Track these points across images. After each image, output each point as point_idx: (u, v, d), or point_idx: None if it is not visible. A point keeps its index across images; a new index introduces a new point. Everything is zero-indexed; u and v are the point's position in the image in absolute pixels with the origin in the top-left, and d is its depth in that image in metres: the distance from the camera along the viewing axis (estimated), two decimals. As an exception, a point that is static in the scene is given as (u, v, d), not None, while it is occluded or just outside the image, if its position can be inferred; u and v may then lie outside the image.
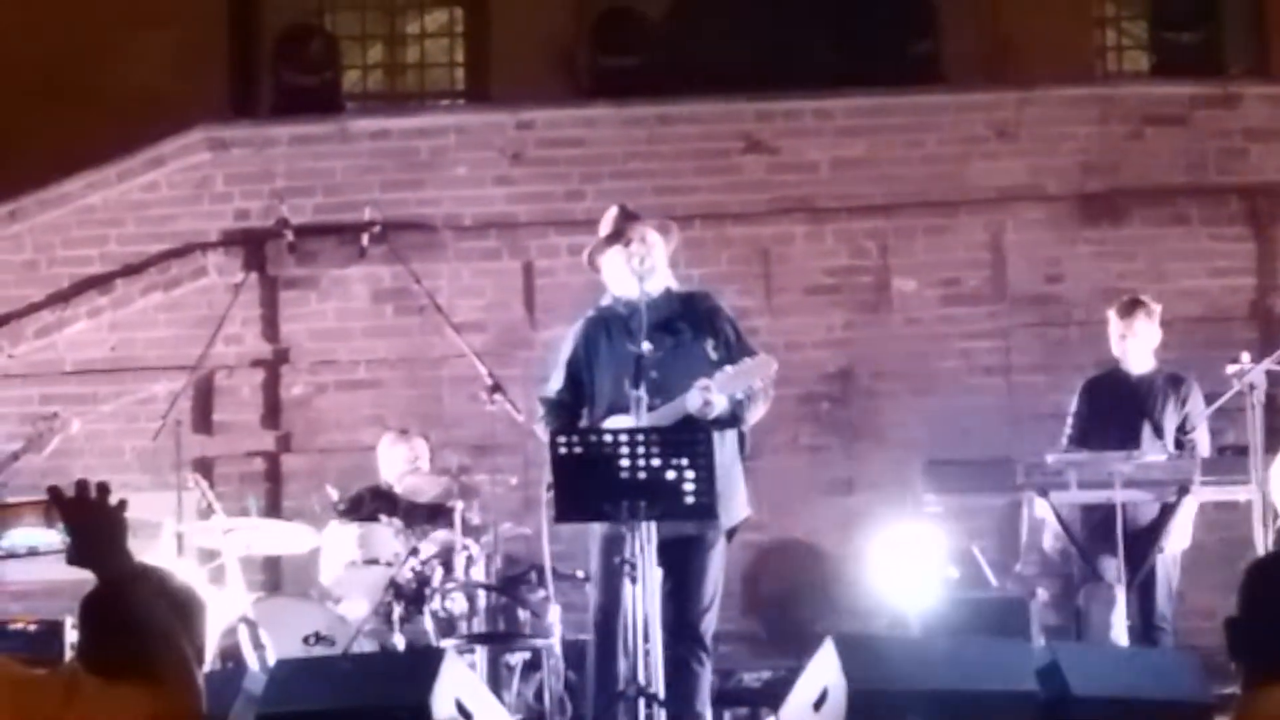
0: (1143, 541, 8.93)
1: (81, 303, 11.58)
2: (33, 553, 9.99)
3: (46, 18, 12.76)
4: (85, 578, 3.95)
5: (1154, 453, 9.02)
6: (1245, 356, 8.95)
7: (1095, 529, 9.04)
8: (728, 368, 7.57)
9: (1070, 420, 9.43)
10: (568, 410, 7.91)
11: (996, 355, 11.22)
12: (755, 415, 7.79)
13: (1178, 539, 9.04)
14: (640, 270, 7.76)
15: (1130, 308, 9.41)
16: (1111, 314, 9.47)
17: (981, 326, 11.29)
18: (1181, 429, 9.24)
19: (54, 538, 8.32)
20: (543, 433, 7.89)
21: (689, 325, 7.83)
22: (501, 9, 13.42)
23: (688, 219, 8.82)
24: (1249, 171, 11.36)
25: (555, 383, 7.99)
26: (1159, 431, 9.20)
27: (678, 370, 7.60)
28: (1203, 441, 9.23)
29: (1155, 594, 9.00)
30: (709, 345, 7.77)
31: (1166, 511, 8.93)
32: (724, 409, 7.56)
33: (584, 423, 7.85)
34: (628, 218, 7.99)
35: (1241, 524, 8.79)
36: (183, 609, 4.02)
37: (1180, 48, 12.06)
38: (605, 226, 8.00)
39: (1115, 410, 9.30)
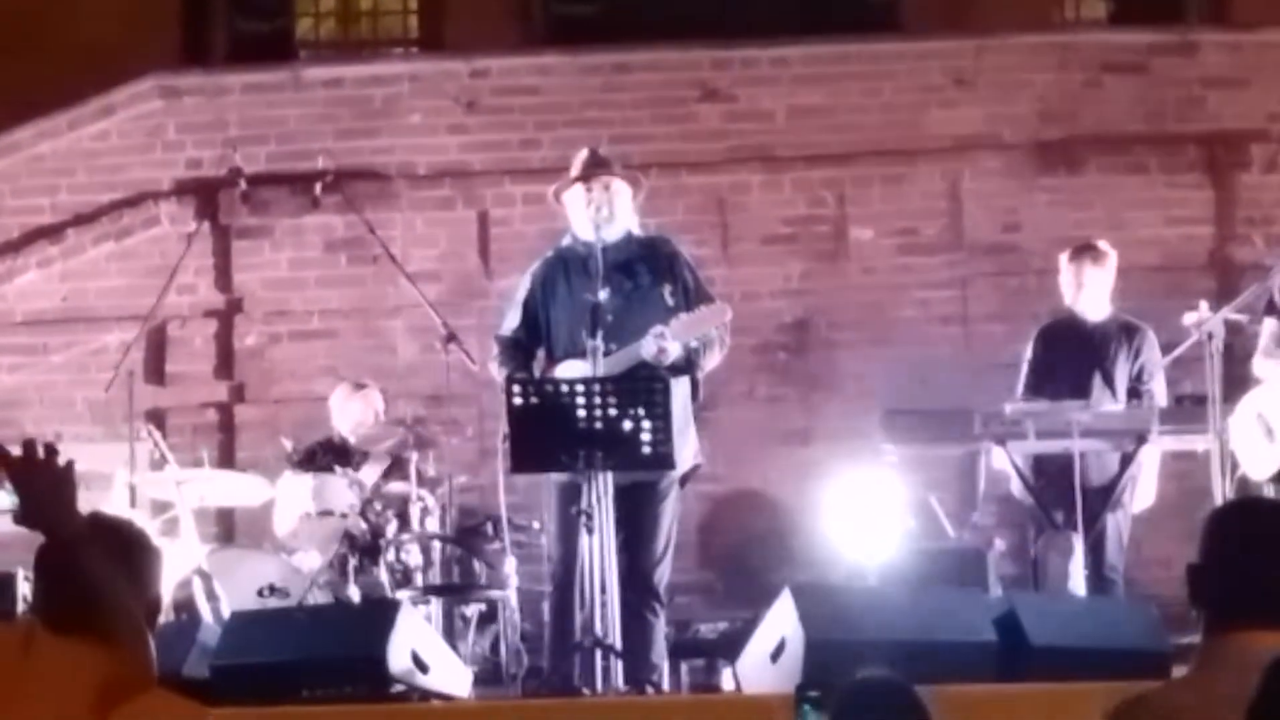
0: (1100, 493, 8.92)
1: (32, 253, 11.47)
2: (-16, 511, 9.92)
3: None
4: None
5: (1105, 402, 8.99)
6: (1203, 305, 8.93)
7: (1052, 478, 9.03)
8: (682, 315, 7.56)
9: (1024, 368, 9.40)
10: (523, 350, 7.90)
11: (954, 304, 11.19)
12: (710, 363, 7.78)
13: (1143, 496, 9.01)
14: (597, 218, 7.77)
15: (1079, 253, 9.38)
16: (1062, 260, 9.44)
17: (939, 276, 11.25)
18: (1138, 379, 9.21)
19: (4, 498, 8.25)
20: (497, 373, 7.86)
21: (648, 270, 7.82)
22: (455, -45, 13.31)
23: (644, 168, 8.74)
24: (1207, 120, 11.34)
25: (511, 322, 7.97)
26: (1110, 380, 9.17)
27: (634, 316, 7.59)
28: (1159, 393, 9.20)
29: (1106, 544, 8.99)
30: (666, 291, 7.76)
31: (1125, 463, 8.91)
32: (679, 356, 7.54)
33: (538, 364, 7.81)
34: (597, 163, 7.97)
35: (1199, 474, 8.79)
36: (136, 557, 3.97)
37: (1139, -5, 12.06)
38: (574, 167, 7.98)
39: (1068, 358, 9.28)
